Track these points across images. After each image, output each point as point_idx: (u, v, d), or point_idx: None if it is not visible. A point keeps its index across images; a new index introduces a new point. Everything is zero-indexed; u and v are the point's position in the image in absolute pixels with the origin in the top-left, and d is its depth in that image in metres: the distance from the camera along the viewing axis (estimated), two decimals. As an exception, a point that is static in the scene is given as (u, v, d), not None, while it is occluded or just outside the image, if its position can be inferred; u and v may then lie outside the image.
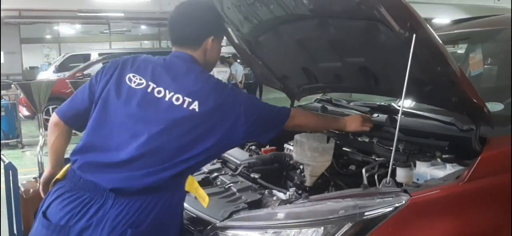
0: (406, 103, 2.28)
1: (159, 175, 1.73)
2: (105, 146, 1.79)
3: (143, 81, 1.86)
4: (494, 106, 2.11)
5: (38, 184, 3.74)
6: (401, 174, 1.89)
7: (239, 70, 12.10)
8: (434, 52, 1.69)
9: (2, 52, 15.57)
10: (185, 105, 1.80)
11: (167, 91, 1.83)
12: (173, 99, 1.81)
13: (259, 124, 1.92)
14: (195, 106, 1.80)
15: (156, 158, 1.74)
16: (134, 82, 1.87)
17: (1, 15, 12.25)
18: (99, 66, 12.10)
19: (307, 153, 2.15)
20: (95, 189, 1.71)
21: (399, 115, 1.79)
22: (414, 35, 1.65)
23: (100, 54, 13.38)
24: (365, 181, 1.93)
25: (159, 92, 1.84)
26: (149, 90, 1.84)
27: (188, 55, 1.95)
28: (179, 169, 1.77)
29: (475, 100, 1.73)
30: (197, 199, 1.88)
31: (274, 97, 11.09)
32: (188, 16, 1.97)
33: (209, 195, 2.02)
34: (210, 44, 1.98)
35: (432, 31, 1.64)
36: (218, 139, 1.81)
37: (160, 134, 1.76)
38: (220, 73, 11.17)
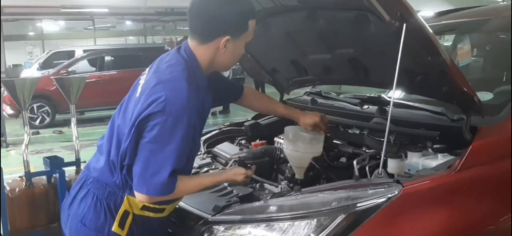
0: (396, 94, 2.28)
1: (114, 177, 1.74)
2: (100, 150, 1.84)
3: (143, 77, 1.80)
4: (484, 96, 2.12)
5: (24, 183, 3.69)
6: (392, 165, 1.89)
7: (226, 65, 12.00)
8: (424, 41, 1.68)
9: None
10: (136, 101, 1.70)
11: (141, 85, 1.74)
12: (138, 94, 1.71)
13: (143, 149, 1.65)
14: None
15: (111, 158, 1.74)
16: (142, 79, 1.79)
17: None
18: (84, 62, 11.97)
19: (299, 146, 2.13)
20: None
21: (390, 106, 1.78)
22: (405, 25, 1.64)
23: (84, 51, 13.20)
24: (357, 173, 1.93)
25: (139, 86, 1.76)
26: (137, 85, 1.79)
27: (187, 46, 1.75)
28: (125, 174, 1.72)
29: (465, 89, 1.74)
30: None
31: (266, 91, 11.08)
32: (204, 4, 1.71)
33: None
34: (224, 44, 1.71)
35: (423, 20, 1.64)
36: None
37: (116, 132, 1.74)
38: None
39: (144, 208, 1.74)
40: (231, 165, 2.21)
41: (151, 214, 1.76)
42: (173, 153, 1.60)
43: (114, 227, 1.70)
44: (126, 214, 1.71)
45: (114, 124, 1.77)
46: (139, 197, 1.67)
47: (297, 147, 2.11)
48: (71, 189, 1.87)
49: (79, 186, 1.82)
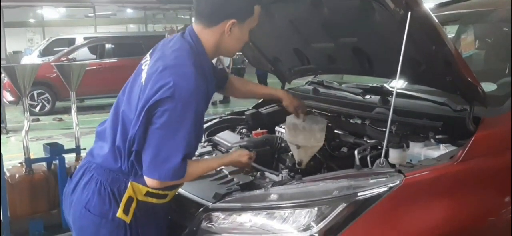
0: (398, 84, 2.26)
1: (119, 163, 1.73)
2: (101, 136, 1.83)
3: (147, 60, 1.78)
4: (487, 87, 2.10)
5: (24, 169, 3.69)
6: (394, 155, 1.87)
7: (226, 54, 11.92)
8: (429, 30, 1.66)
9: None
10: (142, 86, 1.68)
11: (145, 70, 1.72)
12: (142, 80, 1.71)
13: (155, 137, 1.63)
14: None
15: (117, 144, 1.73)
16: (144, 64, 1.78)
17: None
18: (84, 50, 11.93)
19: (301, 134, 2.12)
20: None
21: (393, 96, 1.77)
22: (409, 13, 1.62)
23: (85, 38, 13.14)
24: (358, 163, 1.92)
25: (142, 71, 1.74)
26: (140, 71, 1.77)
27: (192, 30, 1.75)
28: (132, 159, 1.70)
29: (470, 80, 1.72)
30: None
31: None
32: None
33: (201, 178, 2.00)
34: (229, 28, 1.71)
35: (428, 9, 1.62)
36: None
37: (121, 118, 1.73)
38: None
39: (147, 194, 1.74)
40: (234, 149, 2.21)
41: (154, 200, 1.76)
42: (184, 139, 1.61)
43: (119, 213, 1.70)
44: (130, 200, 1.72)
45: (119, 110, 1.76)
46: (150, 183, 1.67)
47: (299, 138, 2.10)
48: (73, 175, 1.86)
49: (81, 172, 1.81)
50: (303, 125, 2.13)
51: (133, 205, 1.72)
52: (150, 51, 1.83)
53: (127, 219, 1.71)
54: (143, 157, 1.66)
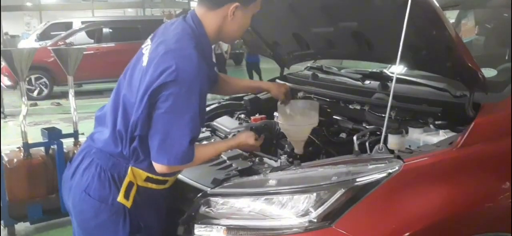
0: (398, 70, 2.24)
1: (119, 148, 1.71)
2: (100, 121, 1.83)
3: (148, 45, 1.77)
4: (488, 73, 2.09)
5: (22, 153, 3.68)
6: (393, 141, 1.87)
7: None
8: (430, 15, 1.64)
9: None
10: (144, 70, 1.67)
11: (147, 54, 1.71)
12: (144, 63, 1.69)
13: (161, 123, 1.62)
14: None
15: (118, 128, 1.71)
16: (144, 49, 1.77)
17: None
18: (81, 34, 11.86)
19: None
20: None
21: (393, 81, 1.75)
22: (411, -3, 1.60)
23: (82, 22, 13.06)
24: (357, 148, 1.91)
25: (143, 55, 1.73)
26: (140, 55, 1.76)
27: (194, 14, 1.73)
28: (135, 145, 1.69)
29: (470, 65, 1.70)
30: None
31: (262, 67, 11.01)
32: None
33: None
34: (232, 12, 1.70)
35: (429, -8, 1.60)
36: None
37: (122, 102, 1.72)
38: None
39: (147, 179, 1.74)
40: (240, 131, 2.21)
41: (154, 186, 1.76)
42: (191, 122, 1.60)
43: (119, 198, 1.70)
44: (130, 185, 1.72)
45: (119, 94, 1.75)
46: (159, 168, 1.67)
47: (293, 120, 2.10)
48: (72, 160, 1.86)
49: (81, 156, 1.81)
50: (296, 108, 2.13)
51: (133, 190, 1.72)
52: (151, 36, 1.82)
53: (128, 204, 1.71)
54: (151, 143, 1.65)
